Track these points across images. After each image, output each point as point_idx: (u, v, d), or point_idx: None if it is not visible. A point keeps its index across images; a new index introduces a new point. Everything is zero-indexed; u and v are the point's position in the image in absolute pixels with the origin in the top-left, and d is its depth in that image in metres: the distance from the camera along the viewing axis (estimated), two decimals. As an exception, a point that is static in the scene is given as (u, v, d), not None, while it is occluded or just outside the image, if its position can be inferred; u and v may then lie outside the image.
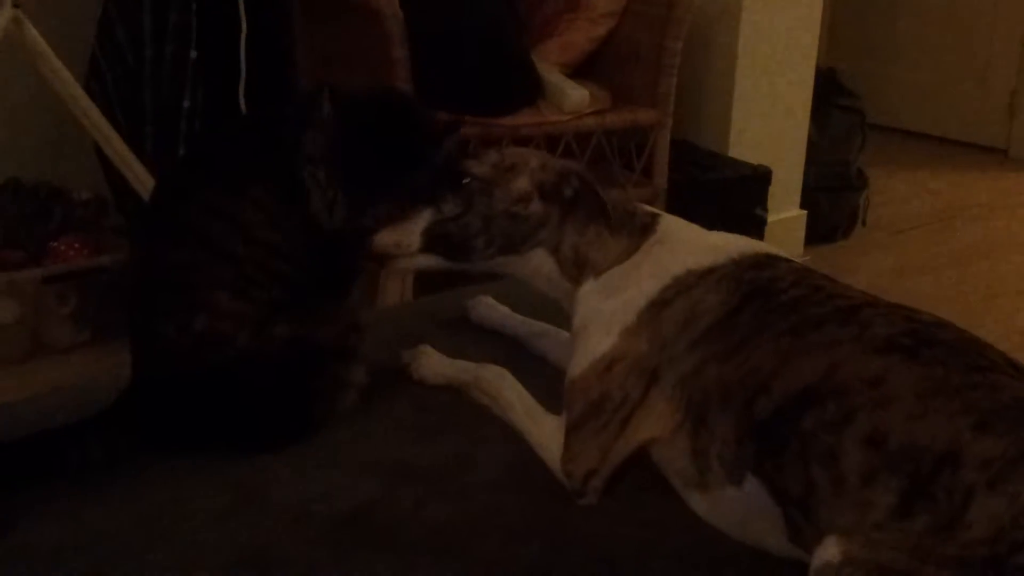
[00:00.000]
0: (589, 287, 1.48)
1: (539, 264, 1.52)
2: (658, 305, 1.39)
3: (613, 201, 1.48)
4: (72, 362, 2.91)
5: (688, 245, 1.45)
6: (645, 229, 1.49)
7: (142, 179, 2.84)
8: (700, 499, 1.35)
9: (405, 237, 1.48)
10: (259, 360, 1.44)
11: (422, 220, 1.48)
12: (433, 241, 1.48)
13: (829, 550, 1.07)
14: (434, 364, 1.66)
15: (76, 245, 3.04)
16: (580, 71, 3.33)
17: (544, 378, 1.60)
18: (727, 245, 1.45)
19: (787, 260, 1.44)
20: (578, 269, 1.50)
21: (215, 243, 1.43)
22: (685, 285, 1.39)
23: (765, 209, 3.62)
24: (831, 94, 4.17)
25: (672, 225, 1.51)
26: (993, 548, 1.03)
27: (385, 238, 1.48)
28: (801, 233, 4.00)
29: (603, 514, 1.38)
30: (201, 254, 1.43)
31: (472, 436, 1.53)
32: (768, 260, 1.42)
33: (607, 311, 1.43)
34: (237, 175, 1.47)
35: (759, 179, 3.61)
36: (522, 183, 1.49)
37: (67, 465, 1.39)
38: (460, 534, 1.33)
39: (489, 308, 1.85)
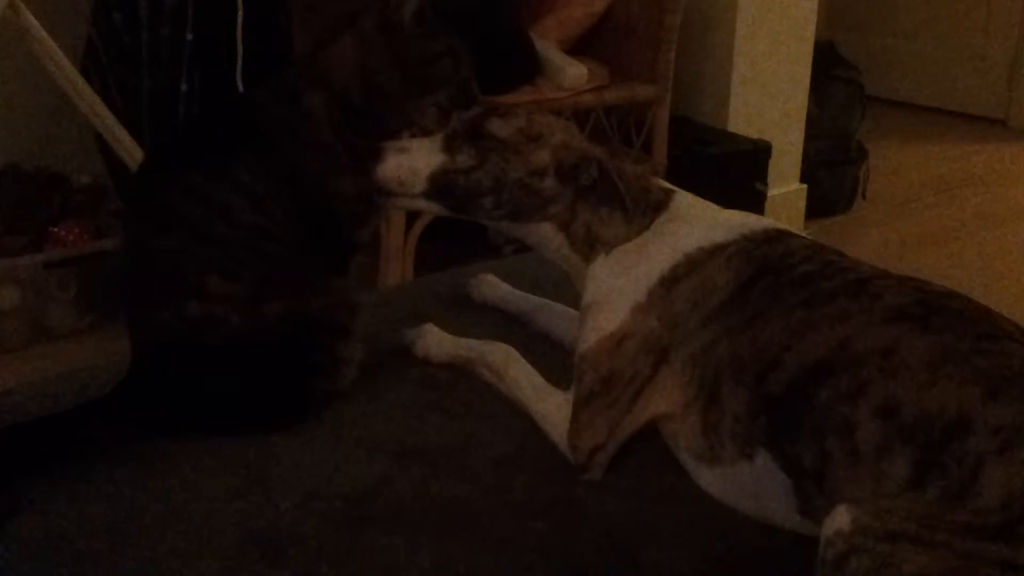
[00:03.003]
0: (600, 263, 1.47)
1: (547, 236, 1.50)
2: (669, 282, 1.39)
3: (629, 182, 1.46)
4: (74, 347, 2.91)
5: (699, 222, 1.44)
6: (658, 206, 1.47)
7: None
8: (710, 474, 1.35)
9: (410, 176, 1.45)
10: (254, 339, 1.44)
11: (432, 163, 1.45)
12: (439, 188, 1.46)
13: (839, 519, 1.07)
14: (438, 342, 1.66)
15: (76, 230, 3.04)
16: (578, 47, 3.32)
17: (548, 354, 1.61)
18: (738, 222, 1.44)
19: (798, 236, 1.43)
20: (589, 246, 1.48)
21: (199, 227, 1.42)
22: (696, 262, 1.39)
23: (765, 183, 3.62)
24: (830, 67, 4.17)
25: (685, 202, 1.49)
26: (1003, 515, 1.03)
27: (390, 172, 1.45)
28: (802, 207, 4.00)
29: (609, 490, 1.38)
30: (187, 239, 1.42)
31: (478, 414, 1.53)
32: (779, 236, 1.41)
33: (617, 288, 1.43)
34: (219, 158, 1.46)
35: (759, 153, 3.61)
36: (542, 156, 1.45)
37: (71, 449, 1.39)
38: (468, 512, 1.33)
39: (491, 286, 1.85)
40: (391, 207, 1.55)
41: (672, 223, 1.46)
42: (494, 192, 1.45)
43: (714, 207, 1.51)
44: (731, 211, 1.49)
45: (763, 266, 1.35)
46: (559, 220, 1.48)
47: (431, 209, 1.50)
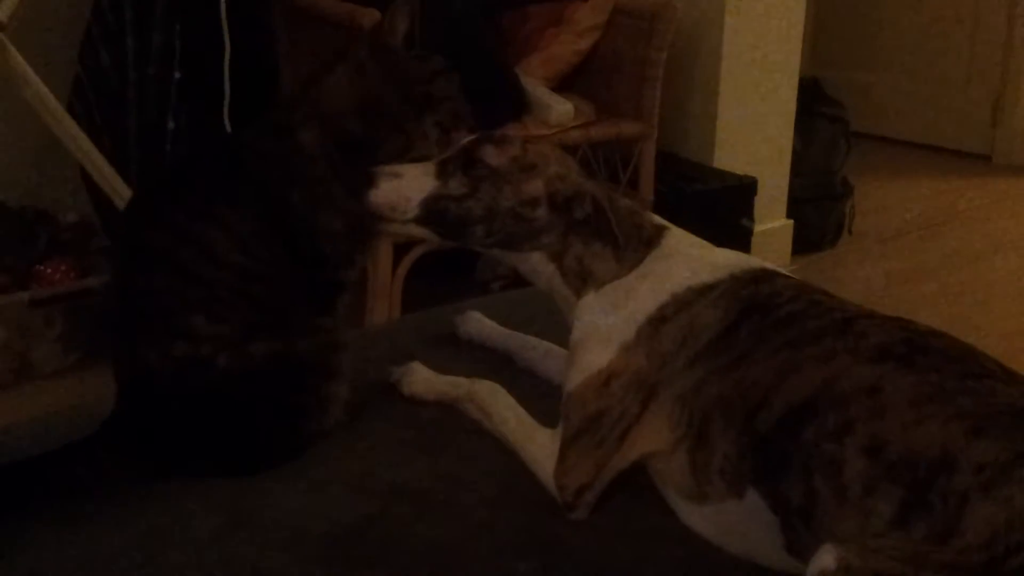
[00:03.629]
0: (590, 299, 1.46)
1: (538, 266, 1.49)
2: (657, 321, 1.39)
3: (622, 218, 1.45)
4: (60, 386, 2.89)
5: (689, 261, 1.44)
6: (650, 242, 1.47)
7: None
8: (697, 512, 1.35)
9: (403, 203, 1.44)
10: (240, 379, 1.43)
11: (424, 189, 1.44)
12: (431, 214, 1.44)
13: (825, 558, 1.07)
14: (424, 380, 1.66)
15: (63, 268, 3.03)
16: (564, 84, 3.34)
17: (535, 392, 1.60)
18: (726, 262, 1.44)
19: (785, 276, 1.43)
20: (580, 279, 1.47)
21: (186, 268, 1.42)
22: (684, 302, 1.39)
23: (751, 219, 3.63)
24: (815, 103, 4.19)
25: (676, 240, 1.49)
26: (988, 553, 1.03)
27: (383, 197, 1.44)
28: (788, 243, 4.01)
29: (596, 529, 1.38)
30: (174, 279, 1.42)
31: (464, 452, 1.53)
32: (766, 275, 1.42)
33: (606, 326, 1.42)
34: (207, 198, 1.47)
35: (745, 189, 3.62)
36: (535, 187, 1.44)
37: (56, 490, 1.38)
38: (454, 551, 1.32)
39: (477, 323, 1.85)
40: (383, 231, 1.54)
41: (662, 261, 1.45)
42: (486, 220, 1.44)
43: (705, 245, 1.51)
44: (721, 250, 1.49)
45: (750, 306, 1.36)
46: (551, 251, 1.48)
47: (423, 235, 1.49)
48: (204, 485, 1.42)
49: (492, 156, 1.44)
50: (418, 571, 1.28)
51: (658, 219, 1.53)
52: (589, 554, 1.33)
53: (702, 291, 1.39)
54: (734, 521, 1.30)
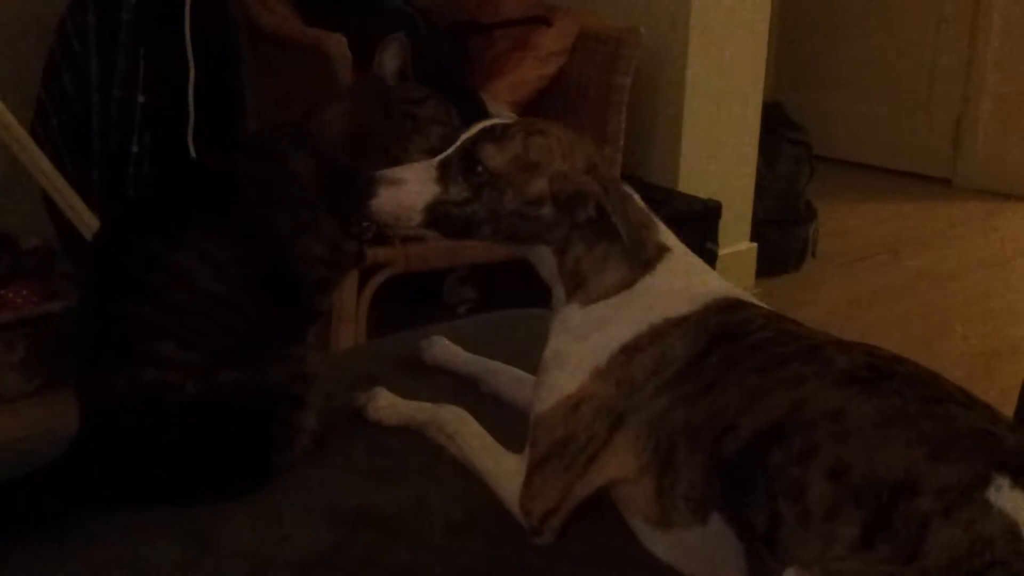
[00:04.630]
0: (572, 312, 1.44)
1: (542, 258, 1.46)
2: (631, 350, 1.38)
3: (629, 227, 1.39)
4: (22, 412, 2.87)
5: (673, 293, 1.41)
6: (647, 265, 1.43)
7: (91, 225, 2.81)
8: (661, 538, 1.35)
9: (405, 212, 1.41)
10: (208, 407, 1.42)
11: (425, 196, 1.40)
12: (435, 219, 1.41)
13: (788, 582, 1.08)
14: (390, 405, 1.65)
15: (24, 293, 3.01)
16: (530, 109, 3.35)
17: (500, 417, 1.60)
18: (705, 291, 1.42)
19: (756, 305, 1.43)
20: (574, 283, 1.44)
21: (159, 294, 1.41)
22: (659, 333, 1.38)
23: (716, 243, 3.65)
24: (778, 127, 4.23)
25: (672, 266, 1.45)
26: (950, 575, 1.04)
27: (385, 207, 1.41)
28: (752, 266, 4.04)
29: (561, 555, 1.38)
30: (144, 305, 1.41)
31: (429, 477, 1.52)
32: (738, 305, 1.41)
33: (579, 350, 1.41)
34: (178, 223, 1.46)
35: (709, 213, 3.64)
36: (539, 185, 1.40)
37: (16, 519, 1.36)
38: (419, 578, 1.32)
39: (443, 348, 1.84)
40: (389, 232, 1.53)
41: (650, 289, 1.42)
42: (491, 221, 1.41)
43: (698, 271, 1.48)
44: (711, 276, 1.48)
45: (720, 334, 1.36)
46: (555, 245, 1.44)
47: (429, 236, 1.45)
48: (168, 513, 1.41)
49: (492, 158, 1.39)
50: (383, 598, 1.28)
51: (663, 237, 1.47)
52: (555, 580, 1.33)
53: (678, 322, 1.38)
54: (698, 547, 1.30)
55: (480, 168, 1.39)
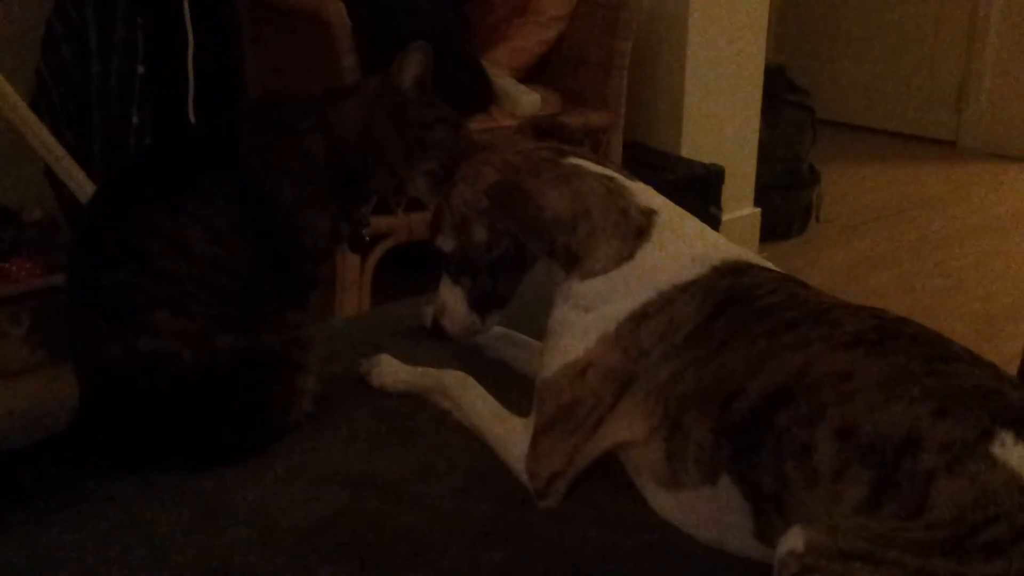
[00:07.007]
0: (575, 285, 1.42)
1: (546, 268, 1.46)
2: (639, 317, 1.37)
3: (595, 221, 1.40)
4: (26, 384, 2.88)
5: (678, 257, 1.40)
6: (640, 232, 1.41)
7: (92, 196, 2.81)
8: (671, 499, 1.35)
9: (462, 320, 1.47)
10: (207, 373, 1.43)
11: (462, 299, 1.46)
12: (481, 307, 1.46)
13: (793, 539, 1.08)
14: (394, 371, 1.66)
15: (28, 266, 3.01)
16: (531, 75, 3.34)
17: (504, 381, 1.60)
18: (710, 254, 1.41)
19: (766, 268, 1.42)
20: (571, 263, 1.42)
21: (152, 262, 1.41)
22: (667, 299, 1.37)
23: (719, 208, 3.64)
24: (780, 91, 4.21)
25: (668, 228, 1.43)
26: (955, 529, 1.04)
27: (453, 328, 1.49)
28: (756, 231, 4.03)
29: (566, 517, 1.38)
30: (139, 274, 1.41)
31: (434, 443, 1.53)
32: (746, 268, 1.40)
33: (586, 318, 1.40)
34: (175, 191, 1.46)
35: (712, 178, 3.63)
36: (478, 235, 1.41)
37: (23, 488, 1.37)
38: (425, 543, 1.32)
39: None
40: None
41: (652, 257, 1.40)
42: (493, 279, 1.43)
43: (695, 231, 1.45)
44: (711, 235, 1.46)
45: (728, 298, 1.35)
46: (541, 253, 1.44)
47: (500, 319, 1.52)
48: (171, 481, 1.42)
49: (444, 244, 1.46)
50: (388, 563, 1.28)
51: (645, 199, 1.45)
52: (560, 542, 1.33)
53: (685, 287, 1.37)
54: (706, 508, 1.31)
55: (444, 257, 1.46)
